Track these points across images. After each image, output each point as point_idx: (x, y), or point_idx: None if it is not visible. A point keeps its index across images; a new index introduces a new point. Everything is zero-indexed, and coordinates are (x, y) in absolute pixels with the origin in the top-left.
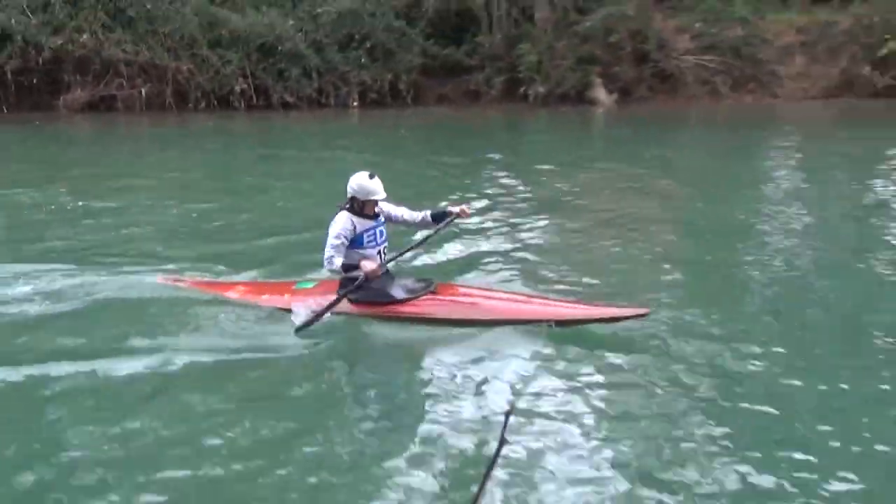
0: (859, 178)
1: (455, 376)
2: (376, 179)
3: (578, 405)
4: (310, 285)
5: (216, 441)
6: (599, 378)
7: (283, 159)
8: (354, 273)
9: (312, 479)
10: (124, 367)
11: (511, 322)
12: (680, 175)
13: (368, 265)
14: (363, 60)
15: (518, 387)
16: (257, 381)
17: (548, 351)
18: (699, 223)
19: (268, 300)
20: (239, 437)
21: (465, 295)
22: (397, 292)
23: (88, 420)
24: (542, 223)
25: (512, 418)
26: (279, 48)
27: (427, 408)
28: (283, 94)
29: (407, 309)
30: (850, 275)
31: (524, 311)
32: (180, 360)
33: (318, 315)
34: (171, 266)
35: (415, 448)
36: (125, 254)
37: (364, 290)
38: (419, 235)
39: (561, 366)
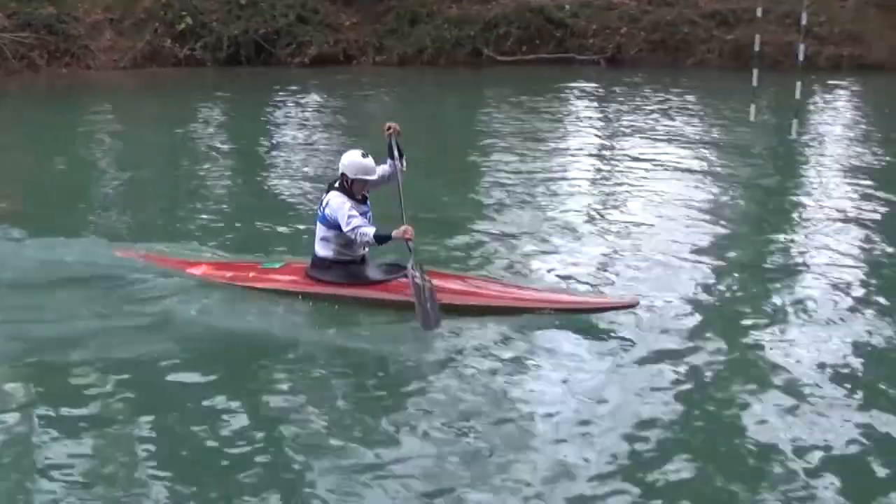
0: (165, 129)
1: (424, 364)
2: (369, 158)
3: (561, 394)
4: (277, 265)
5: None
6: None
7: None
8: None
9: (278, 470)
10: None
11: (491, 310)
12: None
13: (403, 228)
14: None
15: (495, 376)
16: (216, 364)
17: (532, 339)
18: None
19: (232, 278)
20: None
21: (443, 280)
22: (372, 274)
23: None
24: None
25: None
26: None
27: (397, 400)
28: None
29: (380, 292)
30: None
31: (504, 298)
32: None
33: (431, 306)
34: None
35: (381, 438)
36: None
37: (336, 271)
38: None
39: (544, 354)
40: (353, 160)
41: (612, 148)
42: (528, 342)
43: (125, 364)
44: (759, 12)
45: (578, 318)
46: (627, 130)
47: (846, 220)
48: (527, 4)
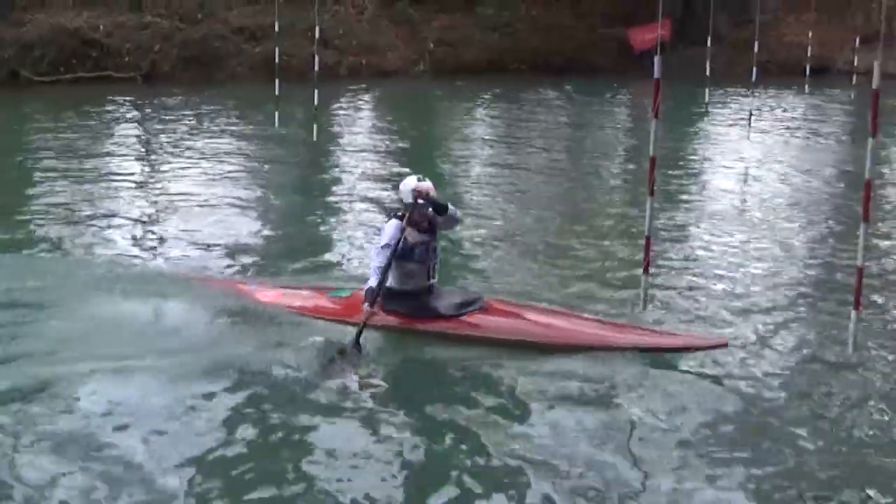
0: None
1: (505, 400)
2: (427, 181)
3: (644, 439)
4: (345, 293)
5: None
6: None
7: None
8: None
9: None
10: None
11: (575, 345)
12: None
13: (367, 310)
14: None
15: (575, 415)
16: (279, 396)
17: (615, 377)
18: None
19: (300, 307)
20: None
21: (520, 313)
22: (443, 307)
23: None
24: None
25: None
26: None
27: (469, 438)
28: None
29: (454, 325)
30: None
31: (589, 334)
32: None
33: (359, 331)
34: None
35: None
36: None
37: (407, 302)
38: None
39: (623, 393)
40: (408, 185)
41: (147, 163)
42: (607, 380)
43: (181, 392)
44: (276, 27)
45: (662, 357)
46: (163, 145)
47: (352, 200)
48: (61, 26)
